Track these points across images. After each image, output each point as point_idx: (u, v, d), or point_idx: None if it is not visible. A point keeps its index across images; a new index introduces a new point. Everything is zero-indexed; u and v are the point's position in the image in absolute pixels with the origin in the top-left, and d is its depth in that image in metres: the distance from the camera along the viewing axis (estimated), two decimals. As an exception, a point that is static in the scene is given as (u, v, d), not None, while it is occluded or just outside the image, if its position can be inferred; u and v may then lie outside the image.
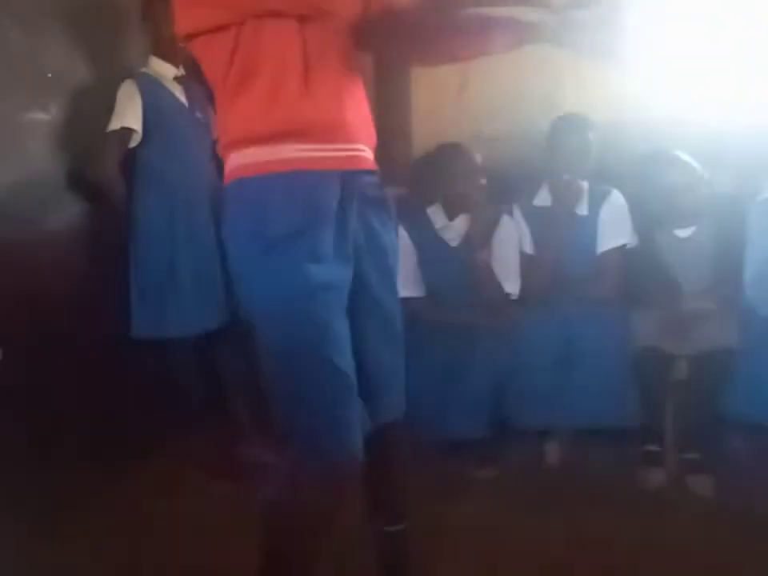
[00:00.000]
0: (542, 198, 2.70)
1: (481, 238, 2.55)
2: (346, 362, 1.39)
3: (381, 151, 1.59)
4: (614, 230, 2.63)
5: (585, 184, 2.67)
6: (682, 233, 2.59)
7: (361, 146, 1.45)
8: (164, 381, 2.62)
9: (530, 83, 3.06)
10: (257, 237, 1.35)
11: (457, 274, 2.57)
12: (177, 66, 2.58)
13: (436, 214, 2.65)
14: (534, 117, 2.87)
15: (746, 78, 2.87)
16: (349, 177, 1.41)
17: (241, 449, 2.59)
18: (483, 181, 2.58)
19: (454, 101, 3.20)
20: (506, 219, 2.65)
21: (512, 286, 2.59)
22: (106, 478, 2.41)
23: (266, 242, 1.34)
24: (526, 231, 2.69)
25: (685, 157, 2.56)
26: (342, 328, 1.39)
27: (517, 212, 2.71)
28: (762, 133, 2.73)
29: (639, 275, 2.60)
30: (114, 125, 2.43)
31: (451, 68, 3.19)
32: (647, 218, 2.62)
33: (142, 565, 2.09)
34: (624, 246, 2.62)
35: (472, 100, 3.17)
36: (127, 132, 2.44)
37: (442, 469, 2.51)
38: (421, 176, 2.86)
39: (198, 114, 2.62)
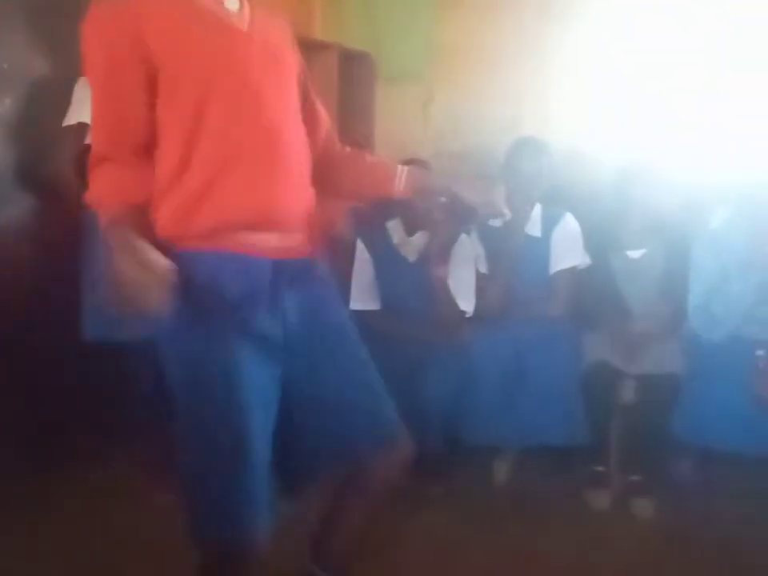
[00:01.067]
0: (497, 219, 2.72)
1: (438, 255, 2.56)
2: (256, 441, 1.38)
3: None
4: (566, 251, 2.68)
5: (538, 205, 2.71)
6: (634, 254, 2.65)
7: (295, 236, 1.47)
8: (112, 386, 2.55)
9: (493, 105, 3.11)
10: (191, 302, 1.33)
11: (413, 289, 2.57)
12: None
13: (395, 229, 2.65)
14: (494, 137, 2.92)
15: (704, 109, 2.97)
16: (280, 263, 1.43)
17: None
18: (443, 198, 2.59)
19: (417, 118, 3.24)
20: (463, 237, 2.67)
21: (467, 303, 2.60)
22: (47, 484, 2.35)
23: (199, 308, 1.35)
24: (480, 250, 2.71)
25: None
26: (260, 405, 1.39)
27: (473, 231, 2.73)
28: (714, 163, 2.83)
29: (591, 294, 2.64)
30: (70, 120, 2.37)
31: (416, 86, 3.29)
32: (601, 239, 2.67)
33: (81, 573, 2.03)
34: (575, 267, 2.67)
35: (435, 118, 3.22)
36: (83, 128, 2.39)
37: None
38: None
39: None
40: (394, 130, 3.33)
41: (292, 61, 1.52)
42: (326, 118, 1.65)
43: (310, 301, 1.48)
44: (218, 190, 1.36)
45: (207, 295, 1.35)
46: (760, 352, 2.35)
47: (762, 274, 2.40)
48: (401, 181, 1.59)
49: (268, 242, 1.41)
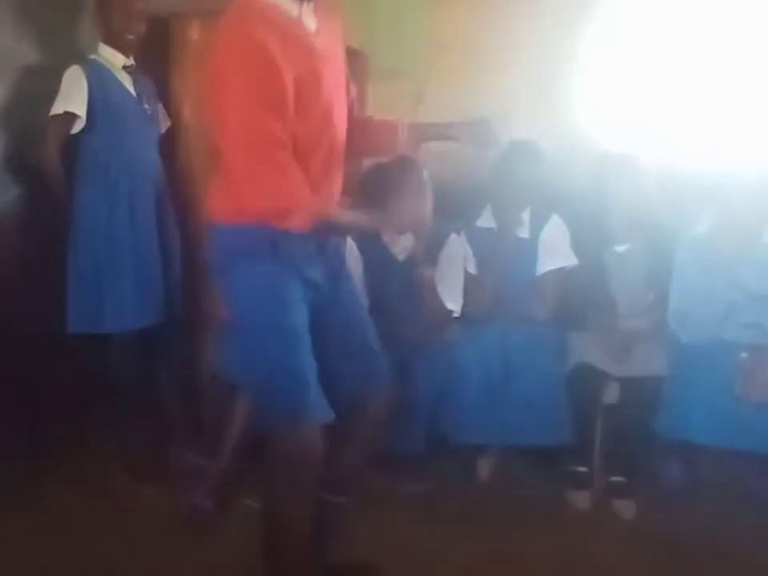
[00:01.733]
0: (486, 220, 2.73)
1: (426, 255, 2.56)
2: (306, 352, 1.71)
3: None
4: (554, 252, 2.68)
5: (531, 207, 2.71)
6: (619, 248, 2.66)
7: None
8: (96, 377, 2.54)
9: (485, 104, 3.09)
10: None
11: (401, 287, 2.57)
12: (127, 56, 2.52)
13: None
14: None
15: (693, 113, 2.99)
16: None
17: (171, 451, 2.53)
18: (430, 200, 2.60)
19: (408, 116, 3.22)
20: (453, 237, 2.67)
21: (454, 303, 2.60)
22: (26, 473, 2.34)
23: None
24: (469, 251, 2.72)
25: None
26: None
27: (463, 231, 2.74)
28: (703, 166, 2.84)
29: (580, 292, 2.65)
30: (58, 109, 2.36)
31: (408, 83, 3.28)
32: (590, 234, 2.68)
33: (62, 564, 2.03)
34: (563, 268, 2.68)
35: (426, 116, 3.20)
36: (70, 117, 2.37)
37: (374, 481, 2.50)
38: (370, 188, 2.85)
39: (146, 106, 2.56)
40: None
41: (344, 59, 1.85)
42: (353, 90, 1.98)
43: (337, 267, 1.87)
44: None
45: (278, 252, 1.68)
46: (743, 354, 2.36)
47: (749, 284, 2.41)
48: (403, 134, 1.90)
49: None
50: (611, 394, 2.54)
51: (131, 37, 2.48)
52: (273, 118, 1.56)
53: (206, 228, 1.79)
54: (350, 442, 1.91)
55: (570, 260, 2.68)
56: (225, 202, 1.69)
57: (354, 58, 3.44)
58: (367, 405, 1.89)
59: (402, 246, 2.61)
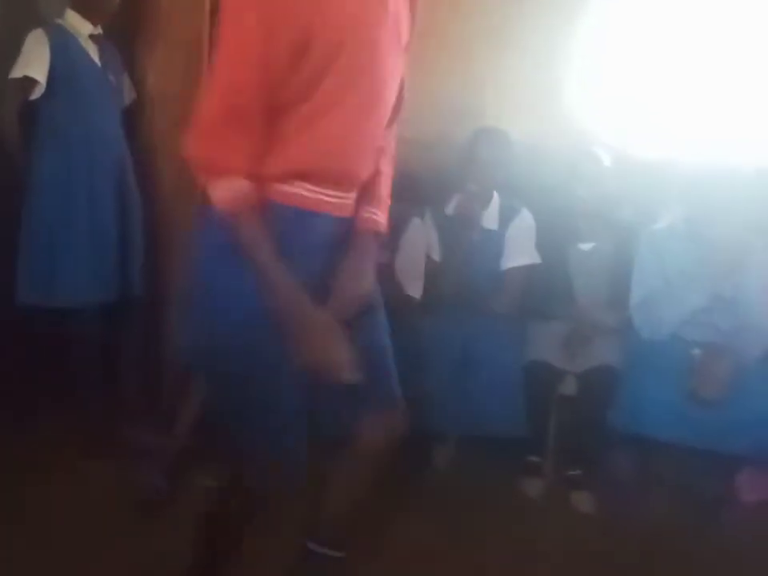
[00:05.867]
0: (453, 207, 2.72)
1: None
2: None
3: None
4: (520, 248, 2.68)
5: (496, 198, 2.71)
6: (585, 246, 2.69)
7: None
8: (48, 350, 2.48)
9: (453, 92, 3.09)
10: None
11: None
12: (95, 25, 2.46)
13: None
14: (453, 124, 2.90)
15: (659, 109, 3.01)
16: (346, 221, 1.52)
17: (124, 428, 2.49)
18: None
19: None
20: (415, 222, 2.65)
21: (414, 289, 2.59)
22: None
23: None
24: (434, 238, 2.71)
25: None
26: None
27: (428, 218, 2.73)
28: (665, 163, 2.88)
29: (542, 285, 2.67)
30: (17, 72, 2.29)
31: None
32: (557, 230, 2.69)
33: (10, 543, 1.98)
34: (527, 266, 2.68)
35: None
36: (30, 82, 2.30)
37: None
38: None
39: (111, 77, 2.50)
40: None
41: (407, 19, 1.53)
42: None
43: None
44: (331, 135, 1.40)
45: (286, 242, 1.38)
46: (696, 351, 2.41)
47: (714, 285, 2.45)
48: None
49: (345, 201, 1.48)
50: (569, 386, 2.57)
51: (106, 7, 2.42)
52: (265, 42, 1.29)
53: None
54: (347, 486, 1.69)
55: (534, 258, 2.69)
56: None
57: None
58: (370, 431, 1.58)
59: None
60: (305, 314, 1.36)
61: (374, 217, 1.56)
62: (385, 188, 1.61)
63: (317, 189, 1.42)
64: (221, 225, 1.36)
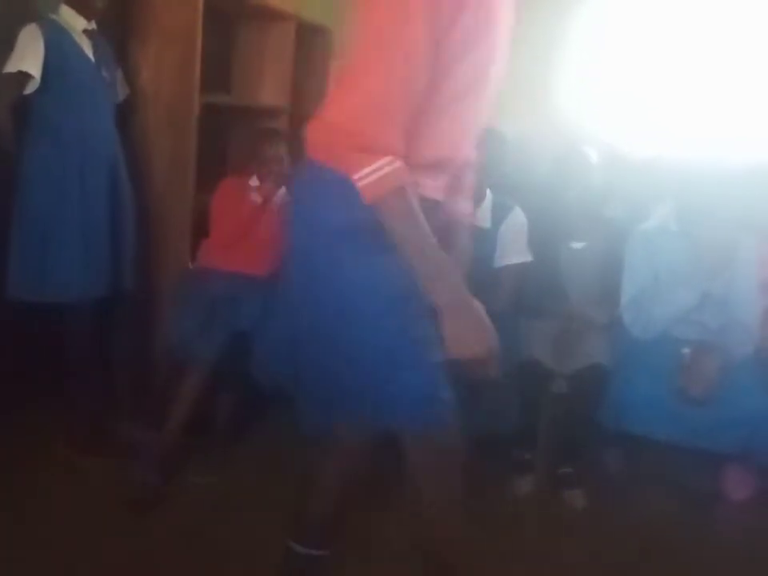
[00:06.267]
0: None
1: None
2: None
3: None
4: (513, 246, 2.69)
5: (489, 196, 2.72)
6: (577, 245, 2.71)
7: None
8: (36, 348, 2.47)
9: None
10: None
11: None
12: (89, 20, 2.45)
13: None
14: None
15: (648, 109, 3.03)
16: None
17: (117, 425, 2.49)
18: None
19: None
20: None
21: None
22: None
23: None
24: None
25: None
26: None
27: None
28: (656, 161, 2.89)
29: (534, 284, 2.68)
30: (11, 67, 2.28)
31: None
32: (548, 229, 2.71)
33: (4, 539, 1.98)
34: (520, 264, 2.69)
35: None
36: (24, 77, 2.29)
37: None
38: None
39: (104, 73, 2.49)
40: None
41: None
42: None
43: None
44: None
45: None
46: (686, 350, 2.43)
47: (704, 283, 2.47)
48: None
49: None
50: (560, 384, 2.59)
51: (99, 4, 2.41)
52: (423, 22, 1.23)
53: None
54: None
55: (526, 256, 2.70)
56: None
57: (317, 33, 3.43)
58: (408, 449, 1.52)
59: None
60: (465, 303, 1.34)
61: (467, 206, 1.60)
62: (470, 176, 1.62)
63: (437, 176, 1.42)
64: (349, 208, 1.29)
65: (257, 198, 2.57)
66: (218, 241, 2.57)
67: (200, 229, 2.65)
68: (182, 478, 2.34)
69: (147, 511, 2.18)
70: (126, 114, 2.63)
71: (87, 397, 2.49)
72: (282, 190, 2.65)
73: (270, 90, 3.23)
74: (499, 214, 2.70)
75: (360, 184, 1.26)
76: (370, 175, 1.25)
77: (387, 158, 1.25)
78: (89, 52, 2.44)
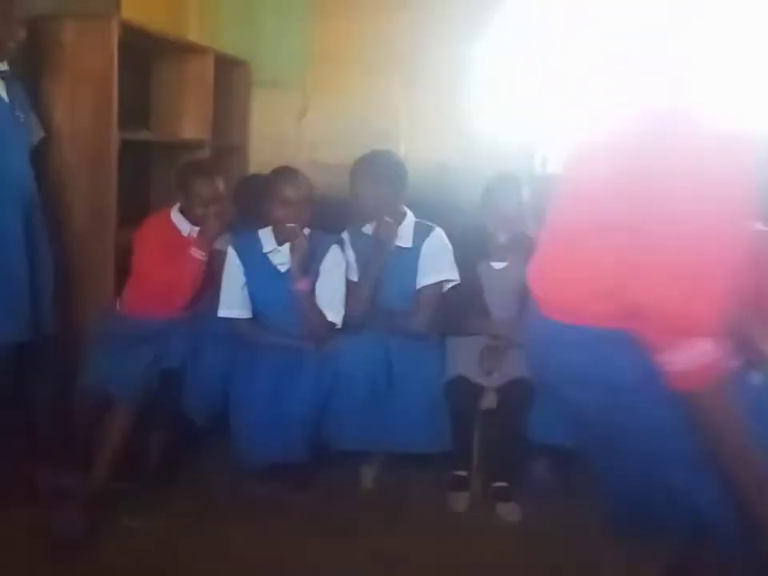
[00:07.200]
0: (370, 227, 2.76)
1: (301, 268, 2.55)
2: None
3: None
4: (434, 265, 2.72)
5: (410, 216, 2.76)
6: (497, 265, 2.77)
7: None
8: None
9: (368, 117, 3.16)
10: None
11: (284, 298, 2.57)
12: (1, 60, 2.42)
13: (266, 237, 2.64)
14: (368, 149, 2.95)
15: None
16: None
17: (37, 470, 2.43)
18: (310, 211, 2.60)
19: (293, 127, 3.24)
20: (334, 249, 2.68)
21: (335, 315, 2.61)
22: None
23: None
24: (352, 257, 2.75)
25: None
26: None
27: (346, 238, 2.77)
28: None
29: (458, 302, 2.72)
30: None
31: (292, 94, 3.31)
32: (471, 250, 2.76)
33: None
34: (442, 282, 2.72)
35: (310, 127, 3.23)
36: None
37: (257, 491, 2.51)
38: (251, 197, 2.85)
39: (19, 113, 2.46)
40: (269, 137, 3.31)
41: None
42: None
43: None
44: None
45: None
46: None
47: None
48: None
49: None
50: (489, 400, 2.63)
51: (12, 44, 2.38)
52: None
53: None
54: None
55: (450, 275, 2.73)
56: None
57: (236, 65, 3.46)
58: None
59: (283, 256, 2.60)
60: None
61: None
62: None
63: None
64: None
65: (197, 253, 2.54)
66: (146, 291, 2.54)
67: (124, 266, 2.63)
68: (113, 522, 2.29)
69: (73, 560, 2.10)
70: (42, 156, 2.60)
71: (9, 441, 2.42)
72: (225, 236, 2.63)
73: (190, 123, 3.23)
74: (420, 234, 2.75)
75: None
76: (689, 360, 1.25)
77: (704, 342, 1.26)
78: (2, 93, 2.41)
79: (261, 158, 3.28)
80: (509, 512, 2.53)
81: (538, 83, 3.17)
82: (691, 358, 1.20)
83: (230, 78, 3.41)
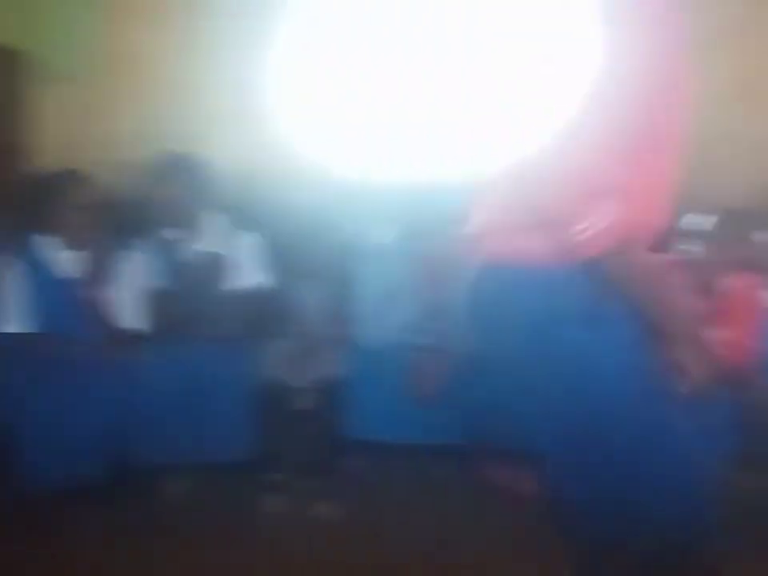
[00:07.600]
0: (170, 231, 2.66)
1: (93, 275, 2.43)
2: None
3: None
4: (243, 270, 2.69)
5: (220, 221, 2.70)
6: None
7: None
8: None
9: (157, 118, 3.04)
10: None
11: (72, 308, 2.42)
12: None
13: (50, 244, 2.47)
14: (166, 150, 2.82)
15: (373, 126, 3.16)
16: None
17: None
18: (100, 216, 2.48)
19: (79, 125, 3.04)
20: (132, 252, 2.57)
21: (132, 322, 2.50)
22: None
23: None
24: (153, 264, 2.63)
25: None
26: None
27: (146, 244, 2.65)
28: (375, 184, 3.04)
29: (269, 307, 2.70)
30: None
31: (79, 91, 3.08)
32: (286, 257, 2.74)
33: None
34: (252, 287, 2.69)
35: (98, 126, 3.05)
36: None
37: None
38: (32, 201, 2.64)
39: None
40: (55, 135, 3.08)
41: None
42: None
43: None
44: None
45: None
46: (411, 354, 2.57)
47: (426, 295, 2.63)
48: None
49: None
50: (302, 399, 2.62)
51: None
52: None
53: None
54: None
55: (260, 278, 2.71)
56: None
57: (14, 57, 3.17)
58: None
59: (69, 263, 2.45)
60: None
61: None
62: None
63: None
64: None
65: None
66: None
67: None
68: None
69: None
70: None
71: None
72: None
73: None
74: (230, 238, 2.70)
75: None
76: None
77: None
78: None
79: (46, 157, 3.03)
80: (323, 510, 2.52)
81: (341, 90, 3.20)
82: (596, 220, 1.18)
83: (8, 70, 3.12)
